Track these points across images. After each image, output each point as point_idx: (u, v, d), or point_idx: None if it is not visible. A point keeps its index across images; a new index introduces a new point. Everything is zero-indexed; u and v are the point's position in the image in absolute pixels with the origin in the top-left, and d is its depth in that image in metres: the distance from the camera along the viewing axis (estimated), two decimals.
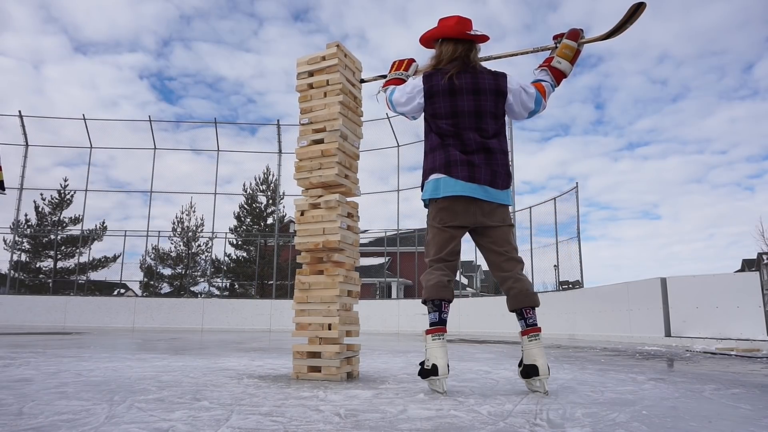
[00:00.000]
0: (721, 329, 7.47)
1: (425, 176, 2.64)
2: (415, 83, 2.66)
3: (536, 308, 2.50)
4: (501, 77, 2.61)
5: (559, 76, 2.69)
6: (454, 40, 2.64)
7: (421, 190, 2.69)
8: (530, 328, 2.45)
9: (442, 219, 2.57)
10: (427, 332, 2.47)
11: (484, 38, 2.67)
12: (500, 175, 2.56)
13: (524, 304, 2.48)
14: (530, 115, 2.67)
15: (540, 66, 2.73)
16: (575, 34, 2.67)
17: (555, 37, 2.73)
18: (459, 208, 2.53)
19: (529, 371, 2.41)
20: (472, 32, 2.63)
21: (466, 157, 2.52)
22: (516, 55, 2.90)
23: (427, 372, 2.39)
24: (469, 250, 13.30)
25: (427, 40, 2.74)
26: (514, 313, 2.52)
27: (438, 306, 2.47)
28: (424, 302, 2.54)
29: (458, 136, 2.55)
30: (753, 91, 50.04)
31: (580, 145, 53.47)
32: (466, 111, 2.55)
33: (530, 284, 2.57)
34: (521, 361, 2.48)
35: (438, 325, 2.45)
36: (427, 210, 2.69)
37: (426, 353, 2.45)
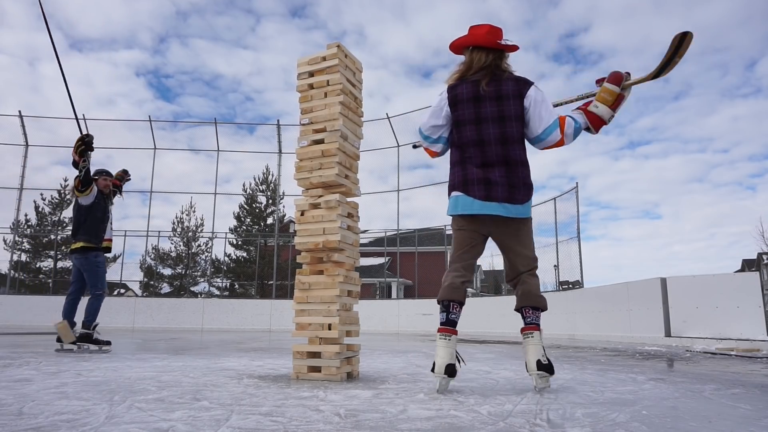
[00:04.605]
0: (721, 329, 7.47)
1: (449, 191, 2.71)
2: (441, 97, 2.69)
3: (540, 310, 2.58)
4: (522, 83, 2.59)
5: (595, 120, 2.59)
6: (486, 49, 2.64)
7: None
8: (526, 326, 2.56)
9: (462, 226, 2.67)
10: (438, 331, 2.56)
11: (514, 48, 2.68)
12: (519, 189, 2.57)
13: (524, 304, 2.59)
14: (539, 139, 2.58)
15: (578, 108, 2.68)
16: (617, 78, 2.57)
17: (598, 81, 2.65)
18: (476, 225, 2.63)
19: (526, 367, 2.55)
20: (503, 42, 2.64)
21: (483, 174, 2.55)
22: (560, 105, 2.83)
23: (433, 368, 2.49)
24: None
25: (457, 47, 2.76)
26: (519, 313, 2.62)
27: (447, 307, 2.55)
28: (438, 302, 2.62)
29: (480, 144, 2.57)
30: (756, 89, 49.95)
31: (581, 144, 53.62)
32: (489, 117, 2.57)
33: (537, 287, 2.62)
34: None
35: (445, 326, 2.53)
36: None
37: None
